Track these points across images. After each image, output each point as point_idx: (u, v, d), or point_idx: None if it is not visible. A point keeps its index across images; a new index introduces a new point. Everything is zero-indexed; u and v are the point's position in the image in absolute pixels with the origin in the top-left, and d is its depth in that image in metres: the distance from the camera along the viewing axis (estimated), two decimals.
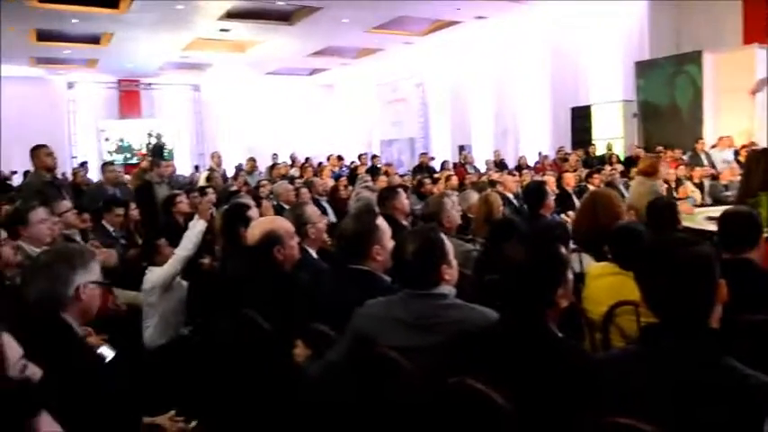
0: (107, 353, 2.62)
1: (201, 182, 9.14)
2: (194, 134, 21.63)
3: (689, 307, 1.59)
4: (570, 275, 1.95)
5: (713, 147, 11.79)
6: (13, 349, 1.33)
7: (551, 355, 1.81)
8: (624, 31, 14.51)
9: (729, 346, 1.68)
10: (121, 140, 20.22)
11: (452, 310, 2.24)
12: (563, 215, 6.14)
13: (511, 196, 7.37)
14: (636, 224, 3.11)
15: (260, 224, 3.34)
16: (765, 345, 2.38)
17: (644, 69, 14.17)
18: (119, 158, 19.07)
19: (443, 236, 2.40)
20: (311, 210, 3.78)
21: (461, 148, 16.96)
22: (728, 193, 8.46)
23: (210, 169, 9.94)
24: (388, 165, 13.91)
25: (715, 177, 10.25)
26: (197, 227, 4.11)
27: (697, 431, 1.52)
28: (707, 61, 13.29)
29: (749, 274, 2.65)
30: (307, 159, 14.84)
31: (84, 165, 15.26)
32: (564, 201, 7.08)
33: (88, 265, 2.19)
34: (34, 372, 1.36)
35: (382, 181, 8.81)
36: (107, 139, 20.12)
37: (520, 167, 12.15)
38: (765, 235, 3.62)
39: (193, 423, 2.27)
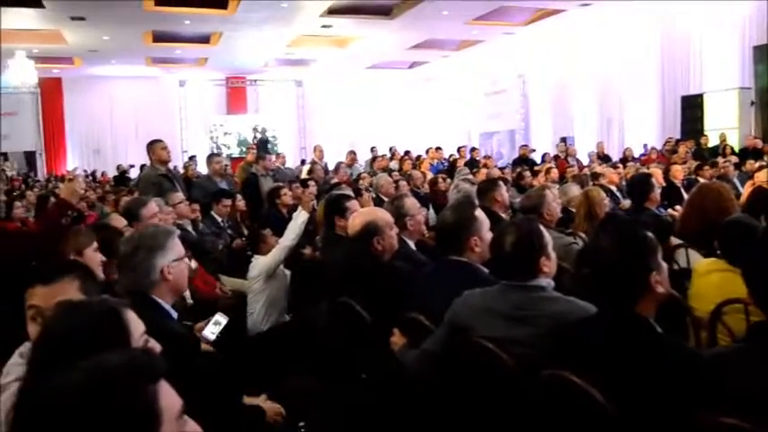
0: (221, 320, 2.78)
1: (304, 175, 9.41)
2: (297, 128, 22.25)
3: None
4: (663, 262, 1.89)
5: None
6: (136, 324, 1.45)
7: (647, 348, 1.77)
8: (741, 14, 13.64)
9: None
10: (238, 134, 21.02)
11: (550, 302, 2.23)
12: (670, 209, 5.89)
13: (614, 189, 7.14)
14: (748, 218, 2.95)
15: (360, 215, 3.42)
16: None
17: (763, 54, 13.28)
18: (235, 151, 19.92)
19: (543, 228, 2.39)
20: (410, 202, 3.82)
21: (563, 139, 16.54)
22: None
23: (312, 162, 10.20)
24: (487, 157, 13.77)
25: None
26: (299, 218, 4.26)
27: None
28: None
29: None
30: (406, 152, 14.95)
31: (193, 158, 16.04)
32: (671, 194, 6.78)
33: (166, 245, 2.29)
34: (155, 345, 1.48)
35: (482, 173, 8.76)
36: (226, 133, 20.95)
37: (624, 159, 11.73)
38: None
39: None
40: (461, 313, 2.38)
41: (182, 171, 11.20)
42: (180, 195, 5.39)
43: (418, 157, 13.86)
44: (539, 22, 15.27)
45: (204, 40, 15.87)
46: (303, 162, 18.34)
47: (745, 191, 5.58)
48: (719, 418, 1.56)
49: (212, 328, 2.81)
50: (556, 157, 13.32)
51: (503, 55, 18.74)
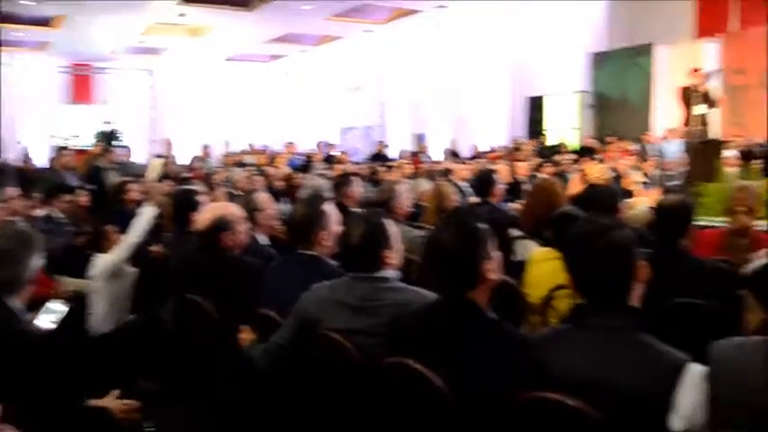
0: (55, 307, 2.61)
1: (152, 169, 9.01)
2: (148, 120, 21.25)
3: (608, 287, 1.69)
4: (496, 252, 2.01)
5: (663, 138, 12.09)
6: None
7: (478, 332, 1.88)
8: (581, 23, 14.73)
9: (655, 326, 1.79)
10: (73, 126, 19.73)
11: (394, 292, 2.30)
12: (513, 203, 6.25)
13: (464, 184, 7.46)
14: (576, 210, 3.21)
15: (210, 210, 3.35)
16: (693, 325, 2.50)
17: (599, 61, 14.44)
18: (71, 143, 18.63)
19: (389, 221, 2.46)
20: (262, 196, 3.80)
21: (418, 136, 17.06)
22: (675, 183, 8.70)
23: (163, 156, 9.82)
24: (343, 153, 13.92)
25: (663, 168, 10.52)
26: (146, 213, 4.09)
27: (619, 402, 1.61)
28: (659, 54, 13.62)
29: (680, 261, 2.77)
30: (263, 147, 14.76)
31: (27, 150, 14.93)
32: (515, 189, 7.21)
33: (41, 248, 2.18)
34: None
35: (338, 169, 8.83)
36: (59, 125, 19.60)
37: (474, 156, 12.29)
38: (699, 223, 3.79)
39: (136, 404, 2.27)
40: (309, 306, 2.40)
41: (18, 164, 10.38)
42: (12, 190, 5.00)
43: (275, 153, 13.74)
44: (397, 21, 15.64)
45: (45, 22, 14.76)
46: (159, 156, 17.56)
47: (574, 185, 6.05)
48: (545, 395, 1.69)
49: (47, 317, 2.64)
50: (414, 154, 13.69)
51: (362, 52, 18.99)
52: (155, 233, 4.46)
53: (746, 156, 10.04)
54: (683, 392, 1.57)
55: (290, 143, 14.13)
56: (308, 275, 2.58)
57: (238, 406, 2.77)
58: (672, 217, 2.83)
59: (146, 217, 4.09)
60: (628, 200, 6.10)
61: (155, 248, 4.55)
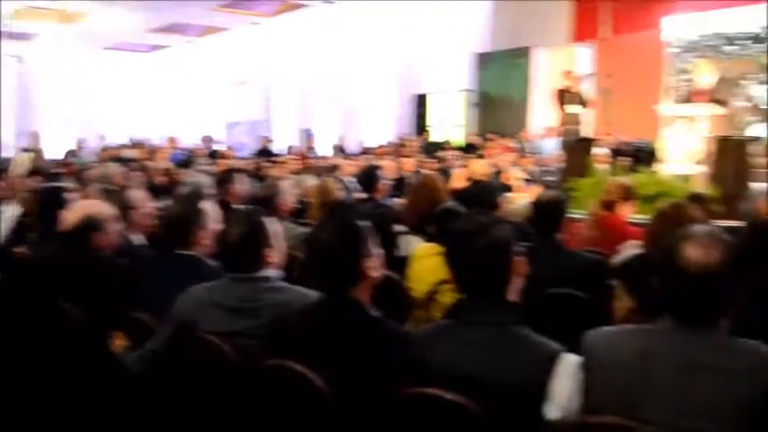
0: None
1: (18, 164, 8.41)
2: (15, 111, 19.79)
3: (488, 283, 1.72)
4: (376, 248, 2.00)
5: (541, 136, 12.65)
6: None
7: (360, 330, 1.87)
8: (466, 23, 15.14)
9: (532, 317, 1.84)
10: None
11: (276, 292, 2.24)
12: (399, 199, 6.31)
13: (350, 180, 7.46)
14: (455, 206, 3.27)
15: (78, 208, 3.13)
16: (567, 316, 2.61)
17: (483, 61, 14.93)
18: None
19: (269, 219, 2.40)
20: (137, 194, 3.61)
21: (305, 131, 16.94)
22: (551, 179, 9.11)
23: (30, 150, 9.18)
24: (228, 148, 13.59)
25: (541, 164, 11.00)
26: (6, 212, 3.79)
27: (498, 395, 1.64)
28: (536, 56, 14.25)
29: (555, 254, 2.89)
30: (144, 141, 14.14)
31: None
32: (401, 185, 7.28)
33: None
34: None
35: (222, 164, 8.58)
36: None
37: (361, 152, 12.36)
38: (573, 216, 3.97)
39: None
40: (186, 309, 2.29)
41: None
42: None
43: (157, 148, 13.19)
44: (285, 15, 15.43)
45: None
46: (26, 150, 16.43)
47: (457, 181, 6.21)
48: (425, 390, 1.70)
49: None
50: (299, 150, 13.57)
51: (249, 45, 18.61)
52: (19, 234, 4.14)
53: (616, 153, 10.69)
54: (558, 382, 1.62)
55: (172, 137, 13.62)
56: (187, 277, 2.47)
57: (112, 415, 2.62)
58: (547, 212, 2.94)
59: (7, 216, 3.79)
60: (508, 195, 6.32)
61: (19, 250, 4.22)
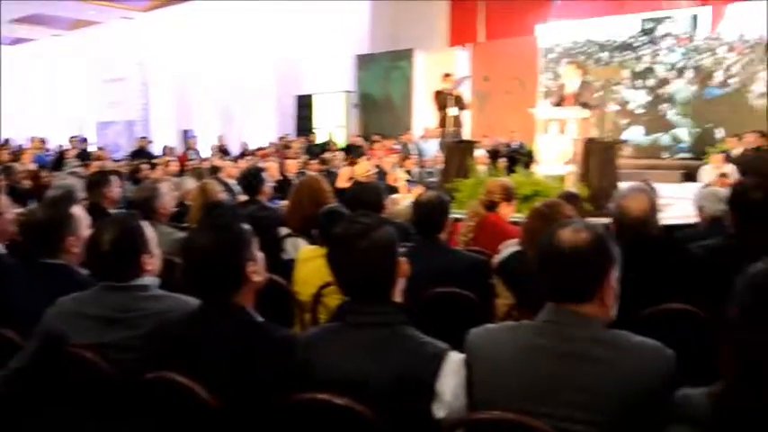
0: None
1: None
2: None
3: (372, 285, 1.72)
4: (258, 251, 1.96)
5: (421, 137, 12.93)
6: None
7: (244, 337, 1.81)
8: (348, 25, 15.21)
9: (416, 317, 1.86)
10: None
11: (154, 301, 2.13)
12: (283, 201, 6.24)
13: (233, 182, 7.30)
14: (338, 207, 3.26)
15: None
16: (452, 315, 2.66)
17: (364, 62, 15.06)
18: None
19: (144, 223, 2.28)
20: None
21: (185, 132, 16.41)
22: (433, 180, 9.33)
23: None
24: (101, 149, 12.91)
25: (423, 166, 11.25)
26: None
27: (386, 396, 1.64)
28: (418, 59, 14.56)
29: (437, 253, 2.94)
30: (6, 141, 13.15)
31: None
32: (285, 187, 7.20)
33: None
34: None
35: (94, 166, 8.14)
36: None
37: (243, 153, 12.12)
38: (455, 216, 4.07)
39: None
40: (53, 322, 2.13)
41: None
42: None
43: (20, 148, 12.31)
44: (161, 9, 14.86)
45: None
46: None
47: (341, 182, 6.22)
48: (313, 395, 1.67)
49: None
50: (188, 150, 13.13)
51: (122, 40, 17.76)
52: None
53: (494, 154, 11.12)
54: (444, 380, 1.64)
55: (38, 138, 12.77)
56: (57, 288, 2.30)
57: None
58: (428, 212, 2.99)
59: None
60: (394, 196, 6.41)
61: None
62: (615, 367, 1.57)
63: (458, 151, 7.38)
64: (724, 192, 3.40)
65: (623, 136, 13.25)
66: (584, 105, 7.09)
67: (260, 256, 1.95)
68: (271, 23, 15.73)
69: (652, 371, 1.58)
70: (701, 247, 2.85)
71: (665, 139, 13.06)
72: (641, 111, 13.33)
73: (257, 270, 1.91)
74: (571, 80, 7.43)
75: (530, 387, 1.60)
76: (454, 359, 1.67)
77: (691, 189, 5.87)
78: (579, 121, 6.97)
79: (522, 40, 14.33)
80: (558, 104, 7.37)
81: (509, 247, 2.98)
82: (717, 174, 9.10)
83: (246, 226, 1.94)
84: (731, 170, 9.14)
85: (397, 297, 1.79)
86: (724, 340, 1.52)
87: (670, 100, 12.95)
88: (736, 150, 10.08)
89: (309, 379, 1.72)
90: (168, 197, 4.08)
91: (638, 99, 13.36)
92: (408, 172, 10.74)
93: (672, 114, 12.97)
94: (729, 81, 12.45)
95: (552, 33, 14.31)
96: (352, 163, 8.99)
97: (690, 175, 10.36)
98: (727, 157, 9.76)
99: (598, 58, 13.74)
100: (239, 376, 1.77)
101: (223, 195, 4.63)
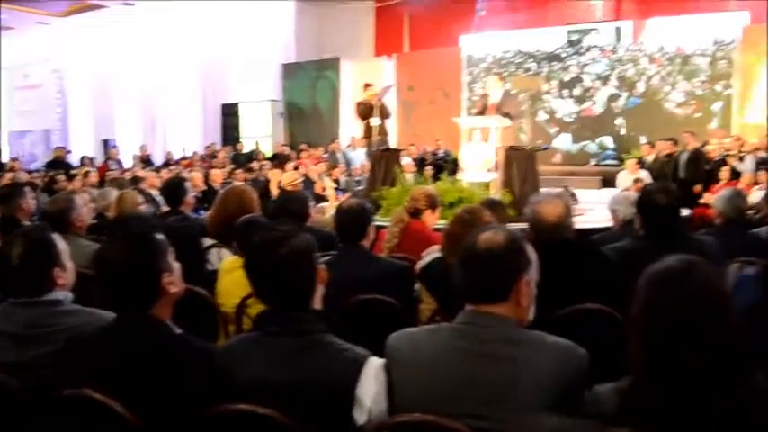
0: None
1: None
2: None
3: (291, 293, 1.72)
4: (174, 262, 1.93)
5: (349, 146, 12.97)
6: None
7: (161, 349, 1.78)
8: (273, 34, 15.11)
9: (339, 325, 1.87)
10: None
11: (67, 316, 2.07)
12: (207, 212, 6.14)
13: (156, 193, 7.13)
14: (257, 217, 3.24)
15: None
16: (376, 321, 2.68)
17: (290, 71, 15.00)
18: None
19: (56, 236, 2.21)
20: None
21: (105, 142, 15.90)
22: (360, 188, 9.38)
23: None
24: (14, 159, 12.36)
25: (350, 174, 11.29)
26: None
27: (308, 404, 1.64)
28: (344, 68, 14.62)
29: (360, 261, 2.96)
30: None
31: None
32: (210, 197, 7.09)
33: None
34: None
35: (7, 178, 7.80)
36: None
37: (167, 163, 11.86)
38: (379, 224, 4.11)
39: None
40: None
41: None
42: None
43: None
44: (79, 15, 14.38)
45: None
46: None
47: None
48: (236, 406, 1.65)
49: None
50: (108, 160, 12.70)
51: (37, 46, 17.07)
52: None
53: (420, 162, 11.27)
54: (364, 386, 1.66)
55: None
56: None
57: None
58: (351, 220, 3.01)
59: None
60: (323, 205, 6.42)
61: None
62: (530, 366, 1.62)
63: (384, 159, 7.44)
64: (636, 196, 3.56)
65: (554, 143, 13.76)
66: (506, 115, 7.28)
67: (176, 266, 1.92)
68: (195, 31, 15.46)
69: (566, 369, 1.64)
70: (613, 249, 2.98)
71: (591, 146, 13.60)
72: (569, 119, 13.86)
73: (173, 281, 1.87)
74: (494, 91, 7.63)
75: (449, 388, 1.63)
76: (374, 364, 1.69)
77: (608, 195, 6.12)
78: (501, 129, 7.16)
79: (446, 50, 14.60)
80: (482, 114, 7.55)
81: (431, 254, 3.03)
82: (632, 179, 9.52)
83: (161, 236, 1.91)
84: (645, 176, 9.58)
85: (317, 304, 1.79)
86: (629, 336, 1.60)
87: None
88: (650, 157, 10.56)
89: (230, 390, 1.71)
90: (85, 209, 3.96)
91: (565, 108, 13.87)
92: (336, 181, 10.76)
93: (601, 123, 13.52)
94: (650, 90, 13.09)
95: (478, 44, 14.66)
96: (280, 171, 8.93)
97: (609, 182, 10.78)
98: (641, 164, 10.22)
99: (528, 68, 14.18)
100: (158, 390, 1.74)
101: (143, 206, 4.52)
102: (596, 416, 1.57)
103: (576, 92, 13.79)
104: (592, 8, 13.42)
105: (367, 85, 8.90)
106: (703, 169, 9.91)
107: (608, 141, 13.46)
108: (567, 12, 14.16)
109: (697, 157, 10.02)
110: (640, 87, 13.23)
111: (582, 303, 2.60)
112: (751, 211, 6.90)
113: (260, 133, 14.53)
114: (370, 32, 15.10)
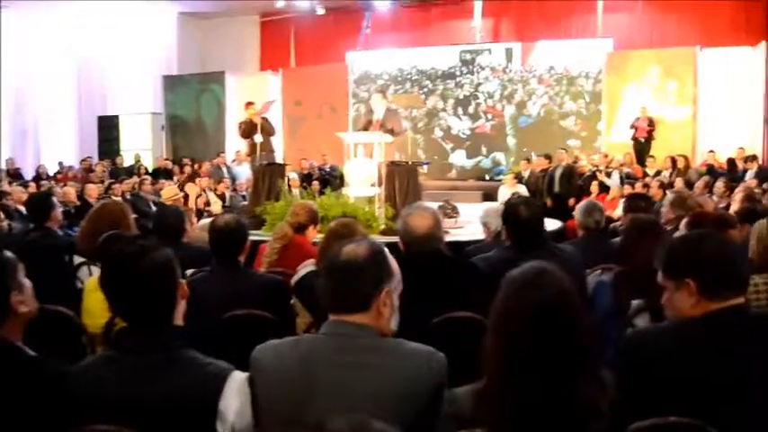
0: None
1: None
2: None
3: (150, 309, 1.67)
4: (25, 280, 1.83)
5: (234, 161, 12.76)
6: None
7: (12, 374, 1.68)
8: (153, 45, 14.64)
9: (211, 341, 1.83)
10: None
11: None
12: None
13: (21, 208, 6.71)
14: (121, 233, 3.13)
15: None
16: (253, 336, 2.65)
17: (172, 84, 14.58)
18: None
19: None
20: None
21: None
22: (246, 203, 9.25)
23: None
24: None
25: (236, 189, 11.11)
26: None
27: (170, 421, 1.60)
28: (229, 82, 14.39)
29: (236, 276, 2.93)
30: None
31: None
32: (85, 213, 6.75)
33: None
34: None
35: None
36: None
37: (38, 177, 11.20)
38: (266, 239, 4.07)
39: None
40: None
41: None
42: None
43: None
44: None
45: None
46: None
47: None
48: (89, 428, 1.59)
49: None
50: None
51: None
52: None
53: (306, 178, 11.26)
54: (227, 400, 1.64)
55: None
56: None
57: None
58: (226, 235, 2.96)
59: None
60: (205, 221, 6.26)
61: None
62: (391, 374, 1.67)
63: (267, 174, 7.37)
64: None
65: (450, 159, 14.19)
66: (390, 131, 7.42)
67: (27, 284, 1.82)
68: (70, 40, 14.72)
69: (425, 375, 1.69)
70: (482, 259, 3.11)
71: (486, 162, 14.11)
72: (463, 136, 14.32)
73: (24, 300, 1.78)
74: (378, 107, 7.77)
75: (311, 398, 1.64)
76: (237, 378, 1.67)
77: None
78: (385, 145, 7.29)
79: (333, 66, 14.71)
80: (366, 129, 7.66)
81: (306, 267, 3.04)
82: (510, 193, 9.95)
83: (9, 254, 1.80)
84: (523, 190, 10.04)
85: (179, 320, 1.75)
86: (485, 341, 1.67)
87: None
88: (526, 172, 11.10)
89: (88, 411, 1.64)
90: None
91: (460, 125, 14.33)
92: (221, 196, 10.55)
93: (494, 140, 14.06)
94: (540, 109, 13.77)
95: (374, 60, 14.87)
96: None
97: (490, 196, 11.20)
98: (518, 179, 10.71)
99: (425, 85, 14.53)
100: (5, 415, 1.64)
101: (4, 223, 4.25)
102: (454, 417, 1.63)
103: (471, 109, 14.29)
104: (472, 30, 13.95)
105: (248, 104, 8.79)
106: (576, 184, 10.54)
107: (501, 157, 14.03)
108: (450, 33, 14.66)
109: (570, 172, 10.66)
110: (531, 106, 13.89)
111: (453, 312, 2.69)
112: (618, 223, 7.41)
113: (141, 146, 13.97)
114: (255, 46, 14.96)
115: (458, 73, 14.35)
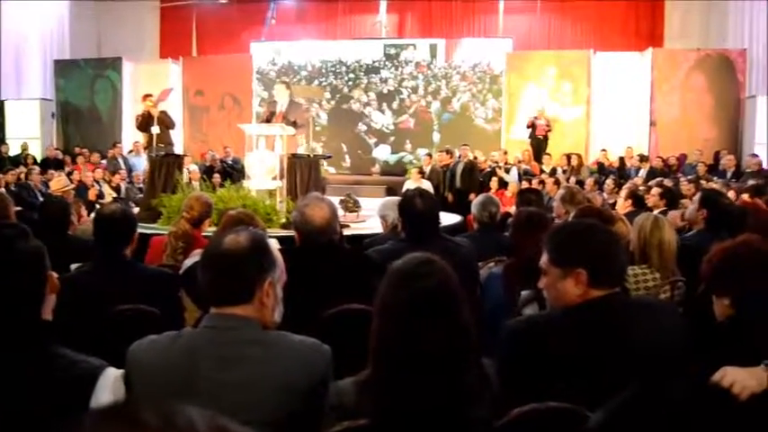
0: None
1: None
2: None
3: (13, 302, 1.56)
4: None
5: (131, 152, 12.25)
6: None
7: None
8: (44, 28, 13.81)
9: (92, 336, 1.73)
10: None
11: None
12: None
13: None
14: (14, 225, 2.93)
15: None
16: (140, 331, 2.54)
17: (64, 69, 13.82)
18: None
19: None
20: None
21: None
22: (140, 195, 8.92)
23: None
24: None
25: (132, 180, 10.70)
26: None
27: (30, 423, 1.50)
28: (127, 69, 13.78)
29: (122, 269, 2.80)
30: None
31: None
32: None
33: None
34: None
35: None
36: None
37: None
38: (161, 232, 3.92)
39: None
40: None
41: None
42: None
43: None
44: None
45: None
46: None
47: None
48: None
49: None
50: None
51: None
52: None
53: (208, 170, 10.98)
54: (100, 398, 1.56)
55: None
56: None
57: None
58: (110, 226, 2.82)
59: None
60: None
61: None
62: (274, 366, 1.64)
63: (165, 165, 7.12)
64: None
65: (373, 154, 14.19)
66: (293, 123, 7.33)
67: None
68: None
69: (309, 367, 1.68)
70: (377, 251, 3.12)
71: (408, 157, 14.19)
72: (387, 131, 14.34)
73: None
74: (281, 99, 7.64)
75: (192, 392, 1.59)
76: (110, 375, 1.59)
77: None
78: (287, 137, 7.20)
79: (237, 56, 14.40)
80: (269, 121, 7.52)
81: (192, 258, 2.95)
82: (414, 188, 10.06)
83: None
84: (428, 185, 10.19)
85: (47, 314, 1.65)
86: (370, 331, 1.67)
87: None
88: (428, 167, 11.27)
89: None
90: None
91: (383, 120, 14.34)
92: (116, 187, 10.13)
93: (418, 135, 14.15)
94: (461, 106, 13.98)
95: (266, 52, 14.63)
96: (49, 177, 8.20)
97: (394, 190, 11.29)
98: (422, 173, 10.86)
99: (349, 78, 14.43)
100: None
101: None
102: (338, 408, 1.62)
103: (395, 105, 14.33)
104: (377, 25, 14.01)
105: (146, 96, 8.46)
106: (477, 179, 10.79)
107: (423, 153, 14.19)
108: (355, 27, 14.67)
109: (471, 167, 10.91)
110: (454, 103, 14.10)
111: (347, 304, 2.68)
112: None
113: (29, 135, 13.11)
114: (154, 33, 14.43)
115: (382, 67, 14.38)
